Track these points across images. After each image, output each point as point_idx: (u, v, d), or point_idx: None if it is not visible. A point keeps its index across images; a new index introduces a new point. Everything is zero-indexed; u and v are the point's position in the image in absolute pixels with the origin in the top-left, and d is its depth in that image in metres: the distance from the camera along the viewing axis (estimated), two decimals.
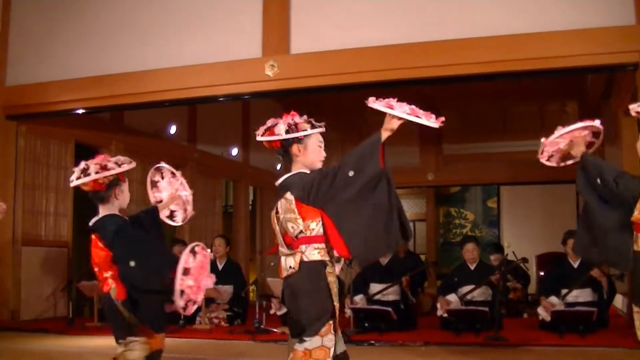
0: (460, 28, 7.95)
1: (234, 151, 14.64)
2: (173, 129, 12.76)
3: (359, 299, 8.99)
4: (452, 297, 8.90)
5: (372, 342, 7.69)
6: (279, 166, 16.12)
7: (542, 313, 8.42)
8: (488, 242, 14.98)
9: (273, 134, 4.60)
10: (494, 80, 10.31)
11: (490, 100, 14.55)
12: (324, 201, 4.25)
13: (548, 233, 12.32)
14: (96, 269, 4.51)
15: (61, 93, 9.41)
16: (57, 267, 10.30)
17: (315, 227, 4.27)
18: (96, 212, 4.60)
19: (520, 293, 10.79)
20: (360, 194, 4.20)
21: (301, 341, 4.14)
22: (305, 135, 4.54)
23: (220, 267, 10.12)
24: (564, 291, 8.46)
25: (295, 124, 4.56)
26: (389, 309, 8.51)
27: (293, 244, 4.31)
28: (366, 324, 8.54)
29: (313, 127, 4.59)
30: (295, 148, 4.55)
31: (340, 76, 8.36)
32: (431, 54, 7.97)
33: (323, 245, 4.23)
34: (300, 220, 4.30)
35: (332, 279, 4.20)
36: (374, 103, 4.15)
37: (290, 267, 4.28)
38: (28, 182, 10.07)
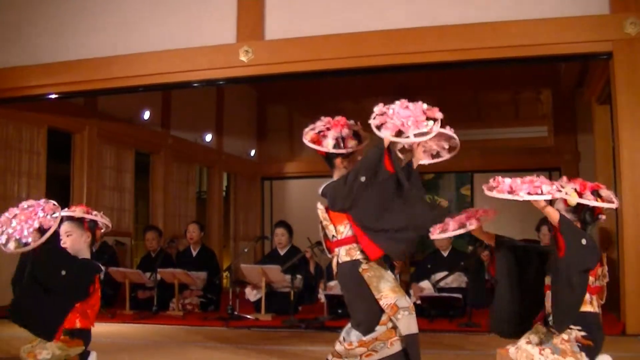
0: (434, 15, 7.95)
1: (208, 137, 14.59)
2: (147, 115, 12.68)
3: (333, 285, 8.99)
4: (425, 284, 8.95)
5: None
6: (252, 153, 16.13)
7: None
8: None
9: (320, 144, 4.72)
10: (468, 67, 10.38)
11: (465, 88, 14.59)
12: (347, 207, 4.46)
13: (522, 220, 12.39)
14: None
15: (34, 78, 9.30)
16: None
17: (344, 229, 4.54)
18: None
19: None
20: (378, 195, 4.37)
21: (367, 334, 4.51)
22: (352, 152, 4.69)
23: (194, 253, 10.12)
24: None
25: (343, 139, 4.68)
26: None
27: (331, 247, 4.65)
28: (340, 311, 8.55)
29: (359, 141, 4.72)
30: (339, 161, 4.72)
31: (314, 62, 8.34)
32: (406, 41, 7.97)
33: (353, 244, 4.49)
34: (332, 226, 4.60)
35: (370, 274, 4.44)
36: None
37: (334, 269, 4.65)
38: (0, 167, 9.98)
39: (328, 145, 4.68)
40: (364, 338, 4.53)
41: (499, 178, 4.12)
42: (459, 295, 8.52)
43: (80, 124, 11.17)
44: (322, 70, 8.52)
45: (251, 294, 9.21)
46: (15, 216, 4.67)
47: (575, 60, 10.10)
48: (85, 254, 5.00)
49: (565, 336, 3.95)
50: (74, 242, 4.97)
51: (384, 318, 4.48)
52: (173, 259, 10.28)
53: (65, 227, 4.95)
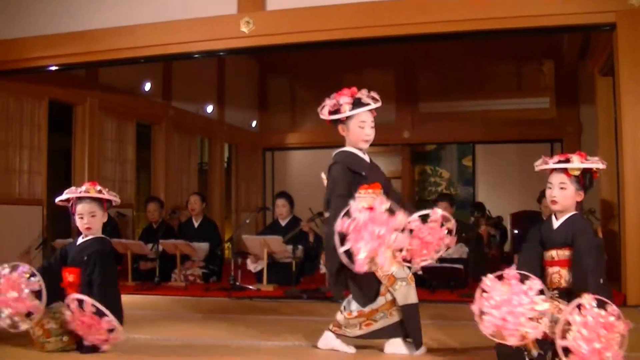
0: None
1: (209, 108, 14.56)
2: (148, 86, 12.65)
3: None
4: None
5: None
6: (254, 124, 16.10)
7: None
8: (463, 200, 15.07)
9: (321, 113, 4.75)
10: (471, 38, 10.32)
11: (467, 59, 14.53)
12: None
13: (523, 191, 12.41)
14: None
15: (34, 50, 9.26)
16: (32, 226, 10.23)
17: None
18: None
19: (496, 251, 10.88)
20: None
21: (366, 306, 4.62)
22: (347, 117, 4.67)
23: (196, 224, 10.14)
24: None
25: (339, 105, 4.66)
26: None
27: None
28: None
29: (355, 106, 4.66)
30: (340, 128, 4.78)
31: (315, 33, 8.30)
32: (407, 11, 7.92)
33: None
34: None
35: None
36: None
37: None
38: (1, 140, 9.96)
39: (325, 113, 4.73)
40: (364, 309, 4.57)
41: None
42: (460, 266, 8.55)
43: (81, 96, 11.15)
44: (324, 41, 8.48)
45: (252, 265, 9.24)
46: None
47: (578, 32, 10.06)
48: (99, 232, 5.03)
49: (562, 307, 3.93)
50: (97, 222, 5.01)
51: (382, 289, 4.51)
52: (175, 230, 10.31)
53: (89, 207, 4.96)
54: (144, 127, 12.93)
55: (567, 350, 3.63)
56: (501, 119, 14.77)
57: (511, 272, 3.79)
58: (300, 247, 8.95)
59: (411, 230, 4.47)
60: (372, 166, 4.83)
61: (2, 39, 9.43)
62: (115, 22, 8.92)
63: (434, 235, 4.56)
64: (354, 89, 4.73)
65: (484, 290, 3.81)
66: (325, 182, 4.79)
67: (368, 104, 4.67)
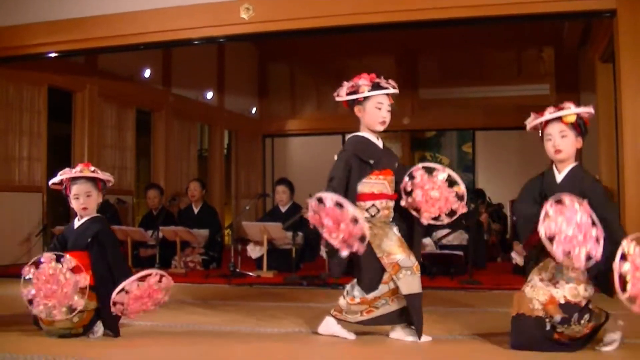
0: None
1: (209, 95, 14.55)
2: (148, 73, 12.64)
3: None
4: (427, 241, 8.97)
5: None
6: (253, 110, 16.08)
7: (516, 257, 8.51)
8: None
9: (339, 95, 4.77)
10: (471, 25, 10.29)
11: (467, 46, 14.51)
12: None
13: (523, 178, 12.35)
14: None
15: (34, 36, 9.26)
16: (32, 212, 10.25)
17: None
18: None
19: (496, 237, 10.90)
20: None
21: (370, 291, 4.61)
22: (364, 98, 4.68)
23: (196, 211, 10.15)
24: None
25: (357, 86, 4.69)
26: None
27: None
28: None
29: (373, 88, 4.69)
30: (356, 109, 4.77)
31: (316, 19, 8.28)
32: None
33: (360, 202, 4.60)
34: None
35: (373, 232, 4.47)
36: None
37: None
38: (1, 126, 9.97)
39: (342, 93, 4.75)
40: (367, 295, 4.58)
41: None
42: (461, 253, 8.56)
43: (80, 83, 11.15)
44: (324, 28, 8.47)
45: (253, 251, 9.25)
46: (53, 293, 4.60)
47: (578, 18, 10.02)
48: (94, 212, 5.03)
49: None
50: (93, 202, 4.99)
51: (385, 277, 4.52)
52: (175, 217, 10.31)
53: (84, 187, 4.94)
54: (144, 113, 12.93)
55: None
56: (501, 105, 14.76)
57: None
58: (300, 233, 8.95)
59: (412, 177, 4.58)
60: (385, 151, 4.82)
61: (2, 25, 9.41)
62: (115, 9, 8.90)
63: (440, 192, 4.58)
64: (373, 74, 4.78)
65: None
66: None
67: (387, 88, 4.72)
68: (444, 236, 8.88)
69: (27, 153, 10.29)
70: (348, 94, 4.72)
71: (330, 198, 4.12)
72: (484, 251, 9.46)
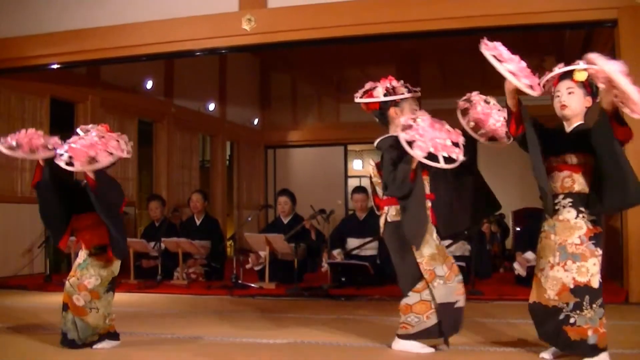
0: None
1: (211, 106, 14.56)
2: (150, 84, 12.66)
3: (337, 253, 9.04)
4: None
5: (349, 296, 7.75)
6: (255, 121, 16.08)
7: (518, 268, 8.52)
8: None
9: (372, 96, 4.78)
10: (472, 35, 10.28)
11: (469, 55, 14.49)
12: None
13: (524, 188, 12.38)
14: None
15: (36, 47, 9.29)
16: (34, 224, 10.24)
17: None
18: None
19: (497, 248, 10.88)
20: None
21: (404, 296, 4.60)
22: (402, 99, 4.76)
23: (198, 222, 10.14)
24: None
25: (393, 88, 4.77)
26: (366, 263, 8.57)
27: (380, 205, 4.76)
28: (343, 279, 8.60)
29: (409, 91, 4.79)
30: (392, 111, 4.79)
31: (317, 30, 8.31)
32: (409, 8, 7.93)
33: None
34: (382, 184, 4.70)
35: None
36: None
37: (380, 227, 4.74)
38: (2, 137, 9.97)
39: (379, 94, 4.76)
40: (400, 303, 4.64)
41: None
42: (463, 264, 8.54)
43: (83, 94, 11.16)
44: (325, 38, 8.49)
45: (255, 263, 9.23)
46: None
47: (580, 28, 10.03)
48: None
49: (577, 240, 4.07)
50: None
51: (419, 285, 4.56)
52: (177, 228, 10.30)
53: None
54: (146, 124, 12.94)
55: None
56: None
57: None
58: (302, 244, 8.94)
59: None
60: None
61: (4, 37, 9.44)
62: (117, 20, 8.93)
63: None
64: (392, 77, 4.85)
65: None
66: (372, 170, 4.89)
67: (415, 91, 4.83)
68: (446, 247, 8.87)
69: (29, 164, 10.28)
70: (385, 95, 4.74)
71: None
72: (489, 261, 9.46)
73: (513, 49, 4.17)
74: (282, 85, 16.72)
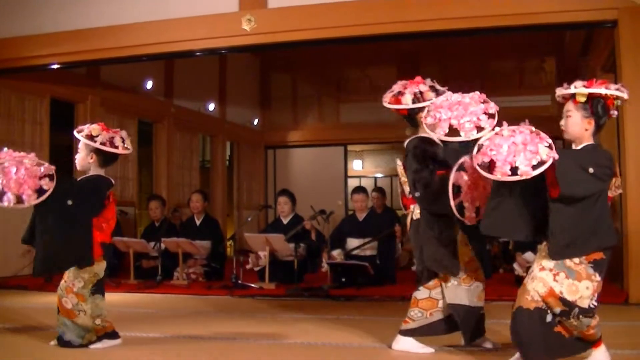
0: None
1: (211, 106, 14.56)
2: (150, 84, 12.65)
3: (337, 253, 9.05)
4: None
5: (349, 297, 7.75)
6: (255, 121, 16.08)
7: (518, 269, 8.52)
8: None
9: (399, 102, 4.76)
10: (473, 36, 10.30)
11: (469, 57, 14.53)
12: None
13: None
14: None
15: (36, 48, 9.28)
16: None
17: None
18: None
19: (497, 248, 10.87)
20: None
21: (416, 290, 4.65)
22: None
23: (198, 222, 10.13)
24: None
25: (421, 93, 4.74)
26: (366, 263, 8.57)
27: (407, 204, 4.76)
28: (343, 279, 8.59)
29: (437, 93, 4.74)
30: (420, 116, 4.73)
31: (317, 31, 8.31)
32: (410, 8, 7.93)
33: None
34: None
35: None
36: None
37: (407, 225, 4.75)
38: (2, 137, 9.96)
39: (407, 101, 4.74)
40: (418, 296, 4.68)
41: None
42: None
43: (83, 94, 11.16)
44: (326, 39, 8.50)
45: (255, 263, 9.22)
46: (17, 171, 4.69)
47: (580, 29, 10.04)
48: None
49: (576, 259, 3.77)
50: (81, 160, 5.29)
51: (430, 283, 4.59)
52: (177, 229, 10.30)
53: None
54: (146, 124, 12.94)
55: None
56: (502, 116, 14.74)
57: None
58: (302, 245, 8.94)
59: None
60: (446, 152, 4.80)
61: (4, 37, 9.44)
62: (117, 21, 8.93)
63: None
64: (420, 78, 4.86)
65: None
66: (399, 169, 4.97)
67: (443, 91, 4.79)
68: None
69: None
70: (413, 102, 4.73)
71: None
72: (489, 262, 9.43)
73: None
74: (282, 85, 16.72)
